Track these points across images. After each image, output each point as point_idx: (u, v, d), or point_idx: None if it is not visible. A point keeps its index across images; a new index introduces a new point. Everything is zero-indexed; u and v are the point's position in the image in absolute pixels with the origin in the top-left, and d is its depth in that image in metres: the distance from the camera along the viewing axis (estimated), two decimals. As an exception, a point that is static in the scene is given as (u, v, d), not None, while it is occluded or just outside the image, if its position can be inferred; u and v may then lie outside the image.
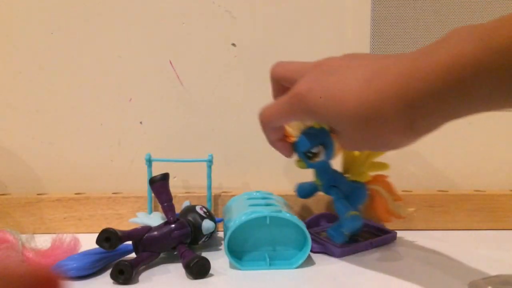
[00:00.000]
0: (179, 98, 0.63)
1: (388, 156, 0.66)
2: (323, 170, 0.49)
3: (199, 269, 0.43)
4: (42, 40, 0.62)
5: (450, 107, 0.32)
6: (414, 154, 0.65)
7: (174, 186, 0.63)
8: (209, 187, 0.58)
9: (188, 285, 0.42)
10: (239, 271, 0.45)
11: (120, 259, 0.45)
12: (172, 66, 0.63)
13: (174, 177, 0.64)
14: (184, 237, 0.48)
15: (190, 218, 0.49)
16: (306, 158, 0.47)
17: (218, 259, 0.47)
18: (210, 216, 0.51)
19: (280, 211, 0.46)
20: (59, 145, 0.63)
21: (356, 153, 0.51)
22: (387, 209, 0.52)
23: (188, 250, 0.45)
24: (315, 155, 0.46)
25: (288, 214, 0.46)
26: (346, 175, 0.51)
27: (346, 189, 0.50)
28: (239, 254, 0.47)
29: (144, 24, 0.62)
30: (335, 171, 0.50)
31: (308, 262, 0.47)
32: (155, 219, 0.50)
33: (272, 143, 0.46)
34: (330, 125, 0.40)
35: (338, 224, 0.49)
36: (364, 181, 0.51)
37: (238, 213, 0.47)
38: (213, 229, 0.50)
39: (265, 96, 0.64)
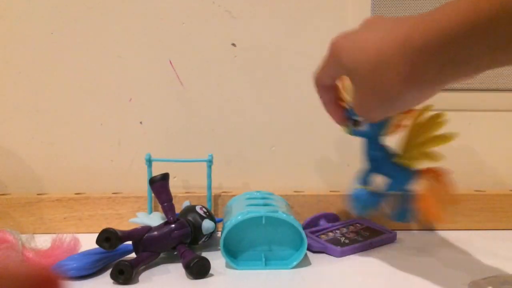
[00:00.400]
0: (179, 98, 0.63)
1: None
2: (368, 142, 0.49)
3: (199, 269, 0.43)
4: (42, 40, 0.62)
5: (456, 56, 0.31)
6: (414, 154, 0.65)
7: (174, 186, 0.63)
8: (209, 187, 0.58)
9: (187, 284, 0.42)
10: (236, 271, 0.45)
11: (120, 259, 0.45)
12: (172, 66, 0.63)
13: (174, 177, 0.64)
14: (184, 237, 0.48)
15: (190, 218, 0.49)
16: (352, 124, 0.47)
17: (217, 259, 0.47)
18: (210, 216, 0.51)
19: (277, 211, 0.46)
20: (59, 145, 0.63)
21: (412, 136, 0.49)
22: (434, 209, 0.47)
23: (188, 250, 0.46)
24: (358, 122, 0.47)
25: (284, 215, 0.46)
26: (398, 159, 0.49)
27: (387, 170, 0.48)
28: (235, 254, 0.47)
29: (144, 24, 0.62)
30: (383, 148, 0.49)
31: (305, 262, 0.47)
32: (155, 219, 0.50)
33: (325, 105, 0.46)
34: (349, 74, 0.39)
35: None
36: (414, 169, 0.48)
37: (236, 213, 0.47)
38: (213, 229, 0.50)
39: (264, 96, 0.64)
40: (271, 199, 0.53)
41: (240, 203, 0.51)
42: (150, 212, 0.58)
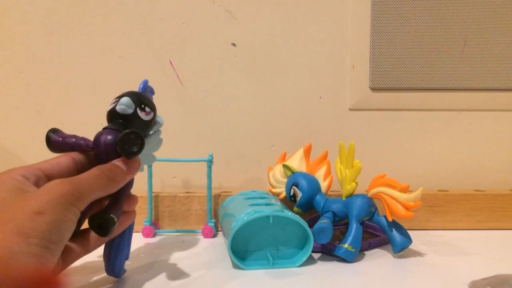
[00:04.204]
0: (179, 98, 0.63)
1: (388, 156, 0.66)
2: (314, 205, 0.52)
3: (98, 224, 0.36)
4: (42, 40, 0.62)
5: None
6: (414, 154, 0.65)
7: (174, 186, 0.63)
8: (209, 187, 0.58)
9: (191, 284, 0.42)
10: (242, 271, 0.45)
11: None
12: (172, 66, 0.63)
13: (174, 177, 0.64)
14: (114, 140, 0.41)
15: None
16: (294, 203, 0.52)
17: (222, 259, 0.47)
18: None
19: (283, 211, 0.46)
20: (59, 145, 0.63)
21: (340, 175, 0.52)
22: (402, 204, 0.48)
23: (109, 203, 0.38)
24: (294, 197, 0.51)
25: (290, 213, 0.46)
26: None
27: (338, 209, 0.50)
28: (242, 254, 0.47)
29: (144, 24, 0.62)
30: (322, 199, 0.51)
31: (310, 261, 0.47)
32: None
33: None
34: None
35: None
36: (353, 193, 0.51)
37: (239, 213, 0.47)
38: (129, 105, 0.41)
39: (264, 95, 0.64)
40: (270, 198, 0.53)
41: (239, 203, 0.51)
42: (150, 213, 0.58)
